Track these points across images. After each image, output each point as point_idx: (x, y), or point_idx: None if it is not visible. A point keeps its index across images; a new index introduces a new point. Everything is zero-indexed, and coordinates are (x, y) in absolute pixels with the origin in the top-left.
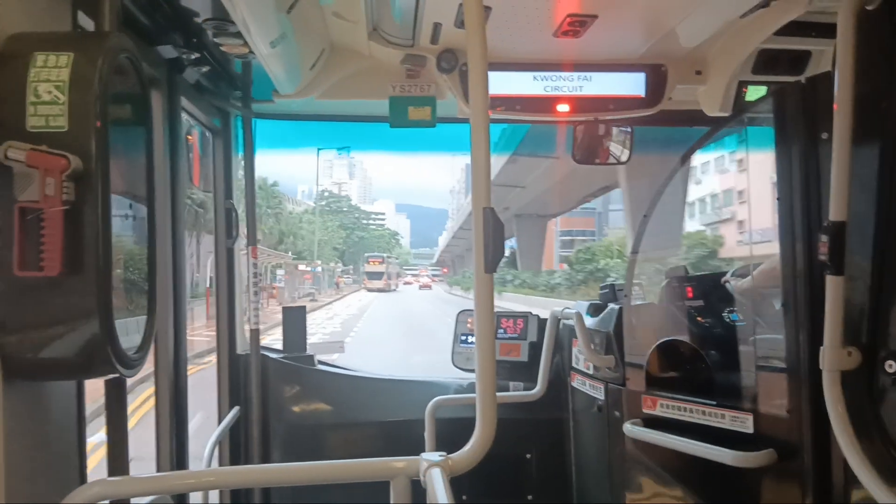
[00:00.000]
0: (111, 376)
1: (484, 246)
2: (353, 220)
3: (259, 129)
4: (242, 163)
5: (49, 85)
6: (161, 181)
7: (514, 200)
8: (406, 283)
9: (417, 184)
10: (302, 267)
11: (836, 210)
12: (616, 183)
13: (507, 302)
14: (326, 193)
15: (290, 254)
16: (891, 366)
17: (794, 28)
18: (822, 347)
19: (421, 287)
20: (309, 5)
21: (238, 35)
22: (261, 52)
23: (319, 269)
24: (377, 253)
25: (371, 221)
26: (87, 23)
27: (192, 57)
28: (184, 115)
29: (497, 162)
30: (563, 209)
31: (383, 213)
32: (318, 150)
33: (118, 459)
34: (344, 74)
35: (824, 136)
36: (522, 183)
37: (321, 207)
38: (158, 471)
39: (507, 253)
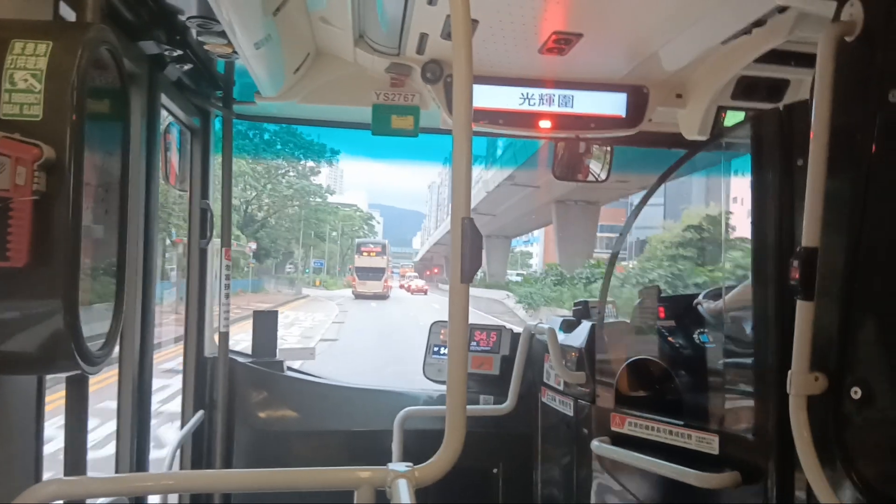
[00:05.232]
0: (73, 373)
1: (461, 256)
2: (292, 172)
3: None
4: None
5: (25, 73)
6: (136, 177)
7: None
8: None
9: (391, 184)
10: None
11: (808, 236)
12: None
13: None
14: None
15: None
16: (856, 392)
17: (774, 56)
18: (789, 372)
19: (414, 292)
20: (296, 9)
21: (222, 34)
22: (245, 52)
23: None
24: (374, 240)
25: (319, 170)
26: (69, 15)
27: (175, 54)
28: (163, 113)
29: None
30: None
31: (355, 205)
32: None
33: (75, 459)
34: (328, 80)
35: (800, 162)
36: None
37: None
38: (117, 472)
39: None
